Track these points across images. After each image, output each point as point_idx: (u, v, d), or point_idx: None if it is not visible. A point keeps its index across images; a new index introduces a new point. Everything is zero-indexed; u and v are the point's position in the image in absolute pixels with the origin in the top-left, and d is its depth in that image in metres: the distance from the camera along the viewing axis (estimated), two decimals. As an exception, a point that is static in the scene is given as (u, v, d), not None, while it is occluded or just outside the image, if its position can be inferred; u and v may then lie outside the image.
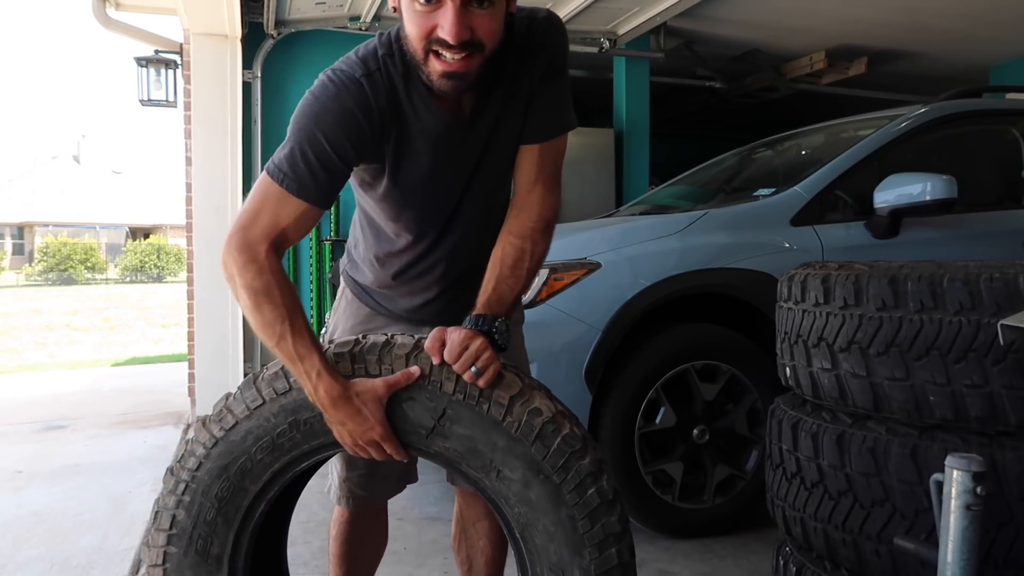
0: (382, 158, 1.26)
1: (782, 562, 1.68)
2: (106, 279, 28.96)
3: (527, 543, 1.17)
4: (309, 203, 1.20)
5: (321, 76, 1.22)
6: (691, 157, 4.94)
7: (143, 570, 1.23)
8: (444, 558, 2.45)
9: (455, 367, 1.15)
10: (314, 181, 1.19)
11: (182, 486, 1.20)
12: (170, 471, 1.22)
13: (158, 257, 29.48)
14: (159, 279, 28.81)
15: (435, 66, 1.14)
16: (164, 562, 1.20)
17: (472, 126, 1.27)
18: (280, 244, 1.20)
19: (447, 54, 1.12)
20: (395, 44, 1.21)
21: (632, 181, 5.63)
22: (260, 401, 1.19)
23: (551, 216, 1.34)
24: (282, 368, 1.20)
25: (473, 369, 1.14)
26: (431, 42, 1.12)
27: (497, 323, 1.21)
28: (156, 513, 1.21)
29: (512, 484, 1.15)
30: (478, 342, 1.16)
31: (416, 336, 1.22)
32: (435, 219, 1.37)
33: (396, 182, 1.29)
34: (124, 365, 7.53)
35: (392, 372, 1.17)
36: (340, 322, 1.56)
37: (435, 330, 1.18)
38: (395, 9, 1.17)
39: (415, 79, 1.21)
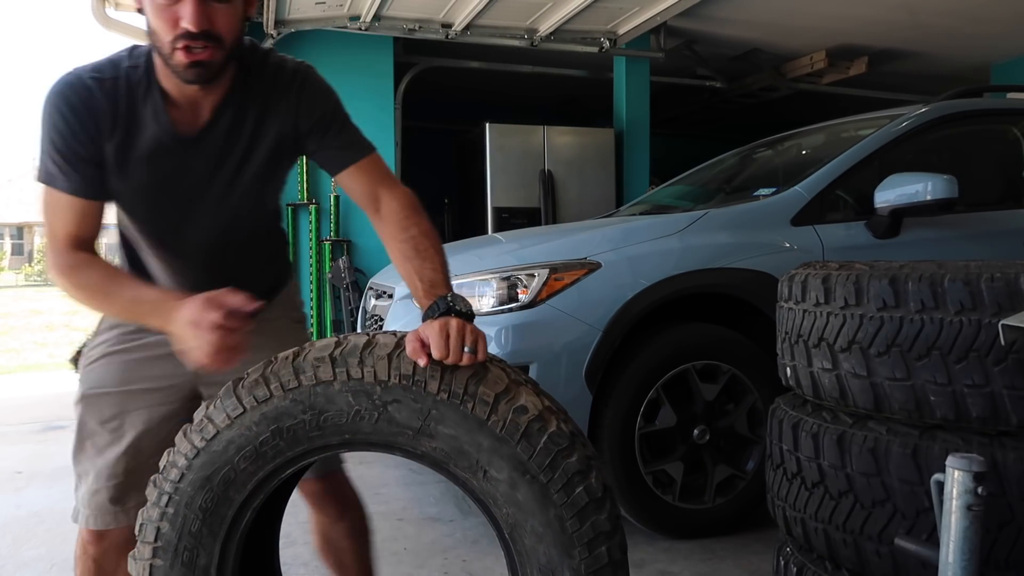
0: (102, 156, 1.32)
1: (783, 562, 1.68)
2: (106, 279, 28.92)
3: (516, 544, 1.15)
4: (78, 196, 1.30)
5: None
6: (691, 157, 4.95)
7: None
8: (444, 558, 2.45)
9: (450, 359, 1.14)
10: (70, 171, 1.29)
11: (165, 498, 1.18)
12: (152, 483, 1.20)
13: (158, 257, 29.45)
14: (159, 279, 28.77)
15: (180, 59, 1.23)
16: (151, 575, 1.19)
17: (202, 140, 1.35)
18: (81, 246, 1.32)
19: (191, 45, 1.22)
20: (142, 57, 1.32)
21: (632, 181, 5.64)
22: (241, 410, 1.16)
23: (409, 200, 1.40)
24: (262, 375, 1.18)
25: (466, 349, 1.14)
26: (176, 38, 1.21)
27: (448, 298, 1.23)
28: (140, 526, 1.20)
29: (499, 485, 1.13)
30: (454, 324, 1.15)
31: (399, 333, 1.21)
32: (165, 225, 1.41)
33: (119, 183, 1.35)
34: (124, 365, 7.51)
35: (374, 374, 1.15)
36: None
37: (409, 335, 1.17)
38: (139, 10, 1.26)
39: (153, 89, 1.31)
